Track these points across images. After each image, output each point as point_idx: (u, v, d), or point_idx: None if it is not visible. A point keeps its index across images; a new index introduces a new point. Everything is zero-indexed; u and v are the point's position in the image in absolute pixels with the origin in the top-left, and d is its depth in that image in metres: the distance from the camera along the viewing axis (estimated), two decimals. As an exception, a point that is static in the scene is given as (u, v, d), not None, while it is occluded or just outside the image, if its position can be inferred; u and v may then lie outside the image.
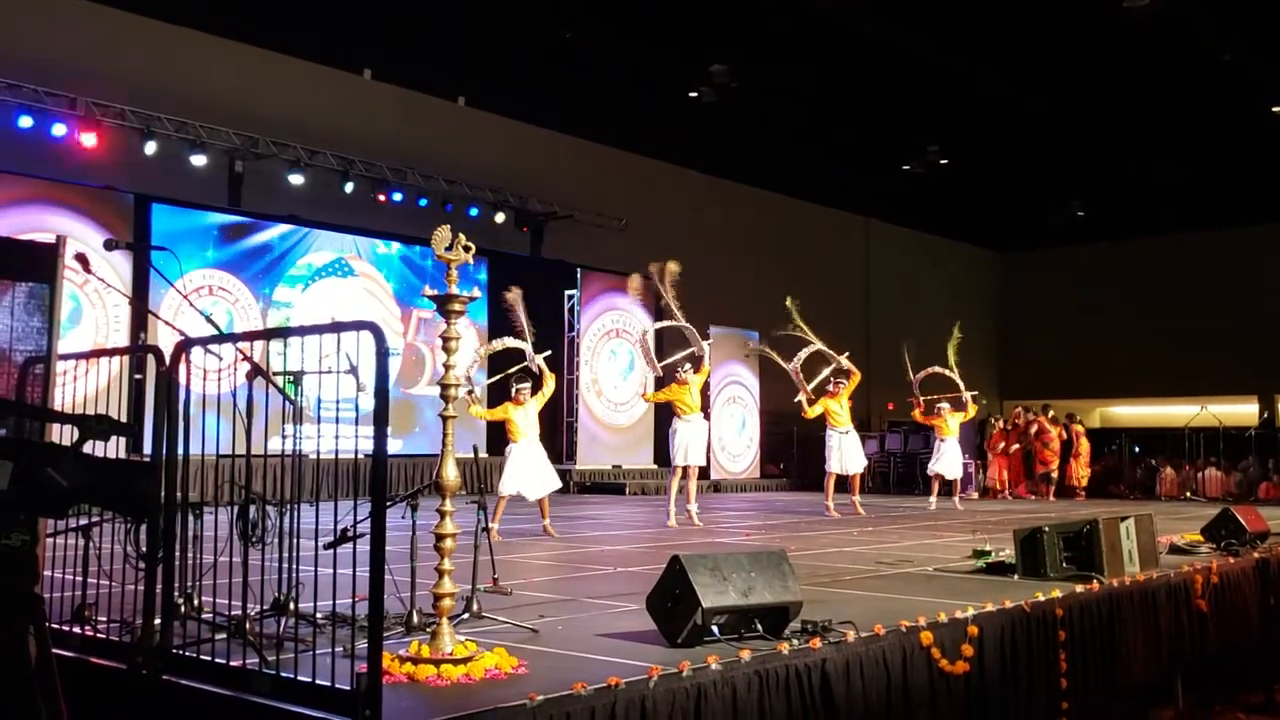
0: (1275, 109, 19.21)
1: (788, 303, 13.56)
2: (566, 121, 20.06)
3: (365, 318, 4.39)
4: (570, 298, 19.82)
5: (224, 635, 4.55)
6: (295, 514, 5.08)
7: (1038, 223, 27.19)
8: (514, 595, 6.25)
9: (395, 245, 17.56)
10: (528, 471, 10.40)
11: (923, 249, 28.67)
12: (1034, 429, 19.37)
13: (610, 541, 10.33)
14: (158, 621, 4.46)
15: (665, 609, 4.94)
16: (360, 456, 4.59)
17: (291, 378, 5.12)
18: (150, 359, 5.03)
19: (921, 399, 15.21)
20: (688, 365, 12.14)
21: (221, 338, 4.95)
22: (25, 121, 13.67)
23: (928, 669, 5.27)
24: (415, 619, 5.05)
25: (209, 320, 5.05)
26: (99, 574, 5.23)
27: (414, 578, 5.24)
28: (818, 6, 15.27)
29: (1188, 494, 19.94)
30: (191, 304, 5.28)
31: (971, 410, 15.79)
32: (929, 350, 15.65)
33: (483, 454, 6.52)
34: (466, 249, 4.63)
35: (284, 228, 16.21)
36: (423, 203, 17.76)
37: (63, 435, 3.34)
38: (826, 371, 13.99)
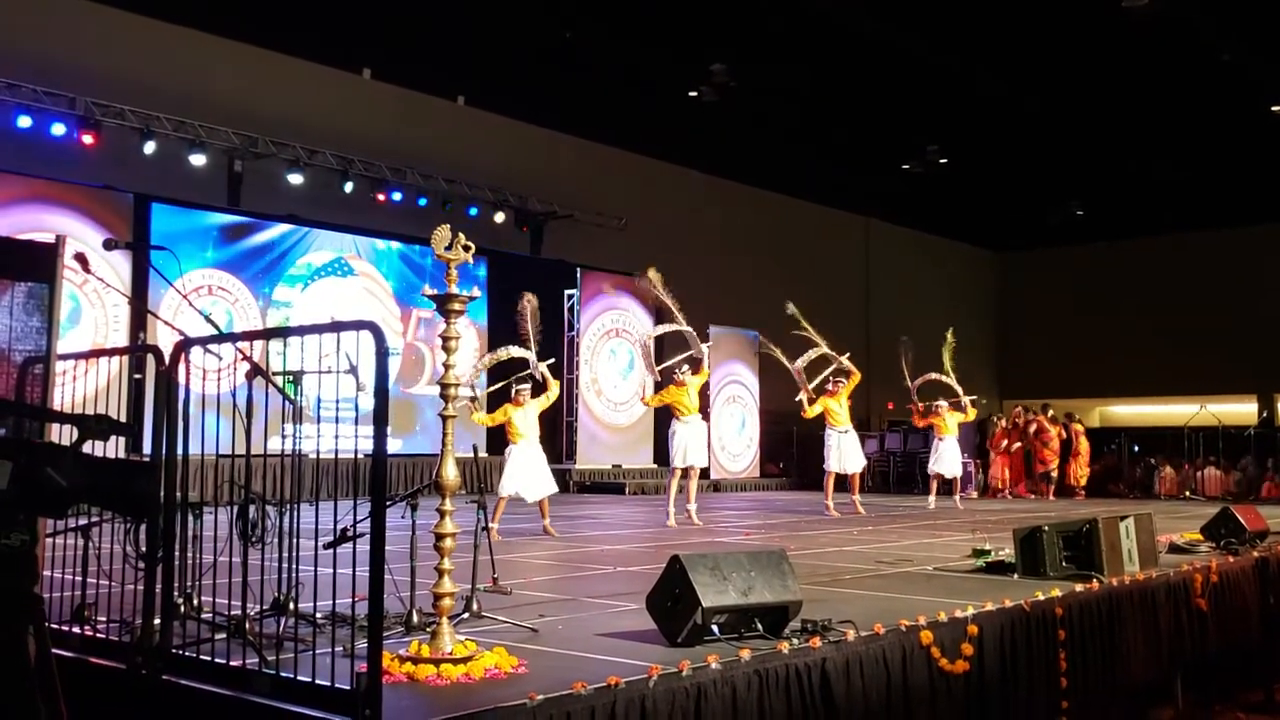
0: (1275, 109, 19.21)
1: (789, 308, 13.59)
2: (566, 121, 20.06)
3: (365, 317, 4.39)
4: (570, 297, 19.82)
5: (224, 635, 4.54)
6: (295, 514, 5.08)
7: (1037, 222, 27.20)
8: (514, 595, 6.24)
9: (395, 244, 17.56)
10: (527, 473, 10.42)
11: (922, 249, 28.67)
12: (1033, 428, 19.37)
13: (610, 541, 10.33)
14: (157, 621, 4.46)
15: (665, 608, 4.94)
16: (360, 456, 4.58)
17: (291, 377, 5.12)
18: (150, 359, 5.03)
19: (920, 405, 15.28)
20: (686, 366, 12.14)
21: (221, 337, 4.95)
22: (24, 121, 13.66)
23: (927, 668, 5.27)
24: (415, 619, 5.04)
25: (208, 320, 5.04)
26: (99, 574, 5.23)
27: (414, 577, 5.24)
28: (817, 6, 15.27)
29: (1187, 493, 19.94)
30: (191, 304, 5.27)
31: (970, 414, 15.85)
32: (927, 350, 15.66)
33: (482, 454, 6.52)
34: (466, 248, 4.62)
35: (283, 227, 16.20)
36: (422, 202, 17.76)
37: (62, 435, 3.34)
38: (828, 371, 14.02)
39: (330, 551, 4.24)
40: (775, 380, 18.42)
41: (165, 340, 5.57)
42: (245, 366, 4.71)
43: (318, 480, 4.78)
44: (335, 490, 4.79)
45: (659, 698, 4.18)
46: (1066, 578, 6.90)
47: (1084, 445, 19.95)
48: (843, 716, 4.81)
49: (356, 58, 17.61)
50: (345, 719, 3.65)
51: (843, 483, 14.29)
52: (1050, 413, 20.06)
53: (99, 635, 4.84)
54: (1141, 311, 27.66)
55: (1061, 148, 21.49)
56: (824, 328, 14.06)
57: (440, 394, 4.56)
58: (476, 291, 4.80)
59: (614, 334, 20.43)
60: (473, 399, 10.34)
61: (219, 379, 5.46)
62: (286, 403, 4.92)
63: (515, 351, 10.62)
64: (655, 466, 20.09)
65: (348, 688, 3.68)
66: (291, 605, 4.97)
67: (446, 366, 4.52)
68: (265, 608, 5.02)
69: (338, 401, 4.80)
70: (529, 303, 10.29)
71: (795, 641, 4.82)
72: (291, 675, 4.01)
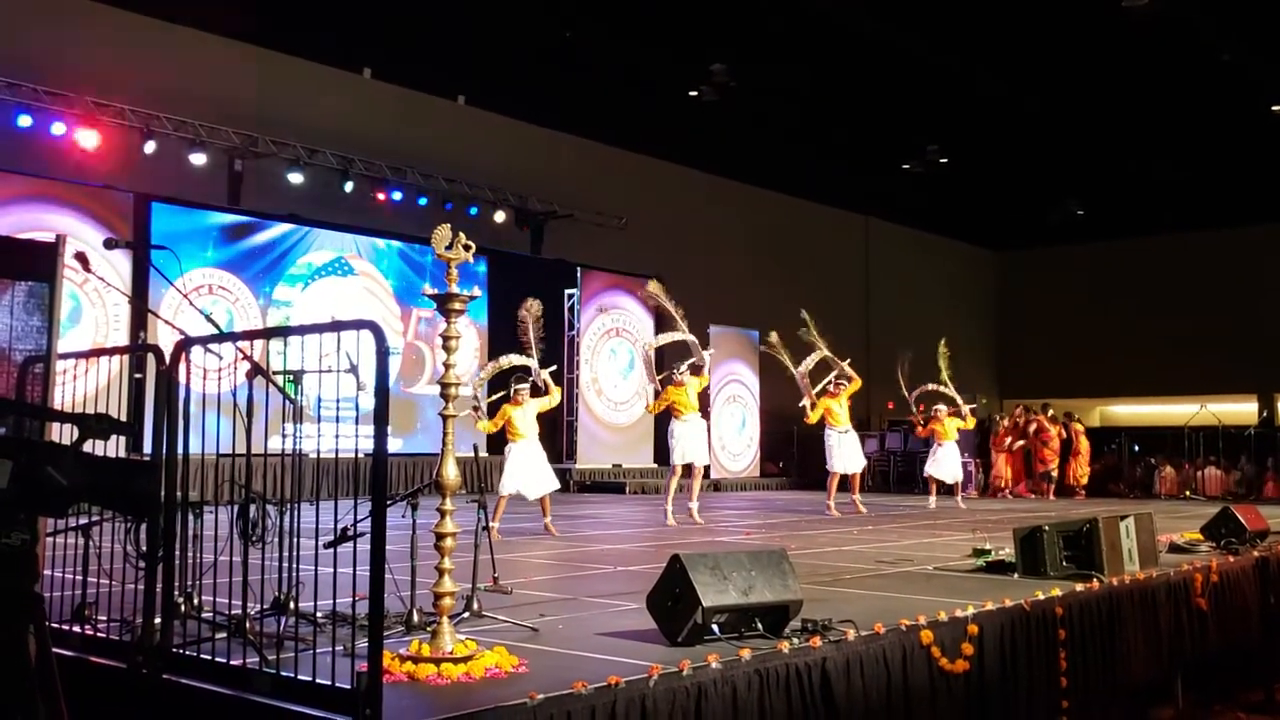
0: (1275, 108, 19.21)
1: (804, 316, 13.63)
2: (566, 121, 20.06)
3: (365, 317, 4.38)
4: (570, 297, 19.82)
5: (224, 634, 4.54)
6: (295, 513, 5.08)
7: (1037, 222, 27.19)
8: (514, 594, 6.24)
9: (395, 243, 17.56)
10: (527, 471, 10.41)
11: (922, 248, 28.67)
12: (1033, 428, 19.38)
13: (610, 540, 10.33)
14: (158, 621, 4.46)
15: (665, 608, 4.94)
16: (360, 456, 4.59)
17: (291, 377, 5.12)
18: (150, 358, 5.03)
19: (920, 415, 15.34)
20: (684, 367, 12.13)
21: (221, 337, 4.95)
22: (25, 120, 13.66)
23: (928, 668, 5.26)
24: (415, 618, 5.04)
25: (209, 319, 5.04)
26: (99, 573, 5.23)
27: (414, 577, 5.24)
28: (816, 6, 15.27)
29: (1187, 493, 19.94)
30: (191, 303, 5.27)
31: (970, 422, 15.96)
32: (927, 351, 15.66)
33: (483, 454, 6.51)
34: (466, 248, 4.62)
35: (284, 227, 16.20)
36: (422, 201, 17.76)
37: (62, 434, 3.34)
38: (831, 376, 14.06)
39: (330, 551, 4.24)
40: (775, 380, 18.40)
41: (166, 339, 5.58)
42: (245, 366, 4.71)
43: (318, 480, 4.78)
44: (335, 490, 4.79)
45: (659, 697, 4.18)
46: (1067, 577, 6.89)
47: (1084, 445, 19.95)
48: (843, 716, 4.81)
49: (357, 57, 17.61)
50: (346, 718, 3.65)
51: (843, 482, 14.31)
52: (1050, 412, 20.07)
53: (99, 634, 4.84)
54: (1141, 311, 27.65)
55: (1061, 147, 21.48)
56: (824, 327, 14.06)
57: (441, 393, 4.55)
58: (477, 291, 4.81)
59: (614, 333, 20.44)
60: (475, 408, 10.34)
61: (219, 378, 5.46)
62: (287, 402, 4.91)
63: (517, 360, 10.63)
64: (655, 466, 20.09)
65: (348, 687, 3.68)
66: (292, 604, 4.97)
67: (447, 366, 4.52)
68: (266, 607, 5.01)
69: (338, 401, 4.80)
70: (530, 310, 10.27)
71: (795, 641, 4.82)
72: (292, 674, 4.00)
